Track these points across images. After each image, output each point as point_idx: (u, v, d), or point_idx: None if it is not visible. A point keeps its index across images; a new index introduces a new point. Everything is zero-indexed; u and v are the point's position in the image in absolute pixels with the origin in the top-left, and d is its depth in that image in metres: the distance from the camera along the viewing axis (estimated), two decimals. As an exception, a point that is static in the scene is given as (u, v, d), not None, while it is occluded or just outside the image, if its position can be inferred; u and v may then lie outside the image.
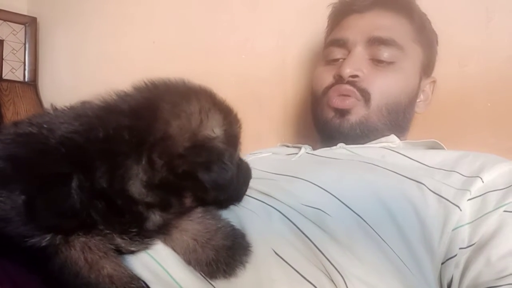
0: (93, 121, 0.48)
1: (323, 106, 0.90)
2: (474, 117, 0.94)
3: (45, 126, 0.49)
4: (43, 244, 0.46)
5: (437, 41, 0.94)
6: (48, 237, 0.46)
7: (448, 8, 0.95)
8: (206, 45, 1.44)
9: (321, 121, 0.91)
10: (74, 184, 0.45)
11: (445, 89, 0.96)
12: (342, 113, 0.86)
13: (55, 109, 0.52)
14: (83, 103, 0.52)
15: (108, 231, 0.48)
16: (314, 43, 1.19)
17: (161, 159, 0.46)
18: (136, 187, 0.47)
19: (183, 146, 0.47)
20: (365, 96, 0.84)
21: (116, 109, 0.49)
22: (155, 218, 0.50)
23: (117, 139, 0.46)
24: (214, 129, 0.49)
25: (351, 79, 0.85)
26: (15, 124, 0.51)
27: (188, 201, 0.52)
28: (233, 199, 0.60)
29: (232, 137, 0.52)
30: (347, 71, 0.84)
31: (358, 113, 0.85)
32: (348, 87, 0.85)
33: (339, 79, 0.87)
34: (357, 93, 0.84)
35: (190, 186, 0.50)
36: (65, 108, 0.52)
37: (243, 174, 0.59)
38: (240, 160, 0.59)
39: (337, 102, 0.86)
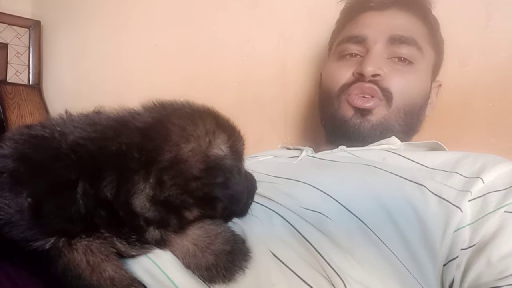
0: (107, 131, 0.50)
1: (341, 104, 0.88)
2: (475, 117, 0.94)
3: (58, 129, 0.50)
4: (47, 247, 0.46)
5: (443, 46, 0.94)
6: (52, 240, 0.47)
7: (448, 8, 0.95)
8: (207, 47, 1.44)
9: (339, 120, 0.88)
10: (79, 190, 0.47)
11: (446, 89, 0.96)
12: (363, 113, 0.84)
13: (68, 114, 0.54)
14: (97, 112, 0.54)
15: (108, 235, 0.49)
16: (315, 45, 1.19)
17: (172, 180, 0.48)
18: (140, 201, 0.48)
19: (197, 169, 0.48)
20: (387, 96, 0.83)
21: (129, 124, 0.51)
22: (153, 232, 0.52)
23: (128, 155, 0.48)
24: (221, 147, 0.51)
25: (373, 78, 0.84)
26: (28, 126, 0.52)
27: (191, 217, 0.53)
28: (238, 214, 0.60)
29: (237, 153, 0.54)
30: (369, 69, 0.83)
31: (379, 113, 0.84)
32: (371, 85, 0.83)
33: (359, 78, 0.85)
34: (380, 93, 0.83)
35: (200, 205, 0.51)
36: (79, 114, 0.54)
37: (248, 187, 0.60)
38: (246, 173, 0.60)
39: (360, 102, 0.84)
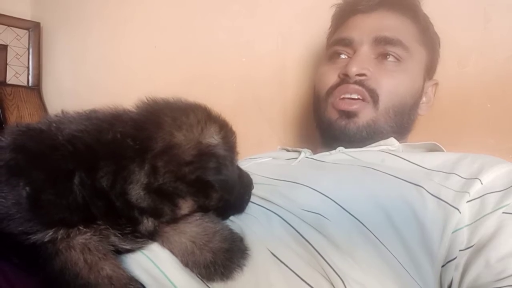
0: (102, 124, 0.51)
1: (327, 107, 0.89)
2: (473, 118, 0.94)
3: (54, 124, 0.51)
4: (46, 239, 0.47)
5: (439, 43, 0.94)
6: (50, 232, 0.47)
7: (446, 9, 0.96)
8: (207, 49, 1.44)
9: (325, 122, 0.90)
10: (76, 180, 0.47)
11: (444, 90, 0.96)
12: (349, 115, 0.85)
13: (64, 112, 0.55)
14: (92, 110, 0.55)
15: (104, 227, 0.50)
16: (314, 45, 1.19)
17: (166, 167, 0.48)
18: (135, 191, 0.48)
19: (190, 154, 0.49)
20: (374, 97, 0.83)
21: (123, 117, 0.52)
22: (147, 223, 0.52)
23: (123, 143, 0.49)
24: (214, 137, 0.52)
25: (358, 78, 0.84)
26: (26, 123, 0.53)
27: (185, 208, 0.53)
28: (235, 209, 0.60)
29: (229, 144, 0.55)
30: (354, 69, 0.83)
31: (366, 116, 0.84)
32: (356, 86, 0.84)
33: (344, 79, 0.86)
34: (366, 93, 0.83)
35: (193, 192, 0.52)
36: (76, 112, 0.55)
37: (243, 183, 0.60)
38: (240, 170, 0.60)
39: (344, 105, 0.84)
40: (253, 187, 0.63)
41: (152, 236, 0.53)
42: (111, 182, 0.48)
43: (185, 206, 0.53)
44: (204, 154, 0.50)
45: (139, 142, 0.49)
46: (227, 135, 0.55)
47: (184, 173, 0.49)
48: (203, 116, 0.53)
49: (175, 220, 0.53)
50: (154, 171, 0.48)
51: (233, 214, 0.60)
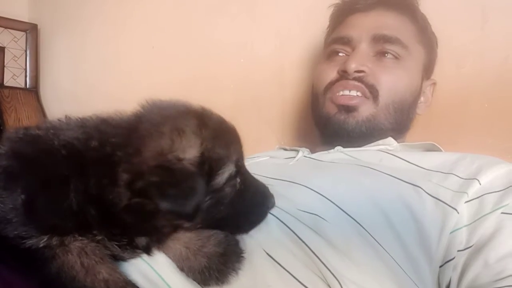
0: (91, 131, 0.50)
1: (325, 101, 0.89)
2: (472, 118, 0.94)
3: (51, 130, 0.51)
4: (41, 245, 0.46)
5: (437, 44, 0.95)
6: (45, 238, 0.46)
7: (444, 10, 0.96)
8: (205, 50, 1.44)
9: (324, 117, 0.89)
10: (72, 186, 0.47)
11: (442, 90, 0.96)
12: (348, 109, 0.85)
13: (67, 117, 0.54)
14: (93, 115, 0.54)
15: (100, 237, 0.49)
16: (313, 47, 1.19)
17: (126, 174, 0.45)
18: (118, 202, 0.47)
19: (147, 165, 0.45)
20: (374, 93, 0.84)
21: (111, 123, 0.51)
22: (140, 238, 0.51)
23: (104, 150, 0.48)
24: (186, 150, 0.47)
25: (356, 74, 0.84)
26: (25, 128, 0.53)
27: (166, 227, 0.51)
28: (231, 227, 0.55)
29: (213, 161, 0.49)
30: (353, 66, 0.84)
31: (366, 110, 0.84)
32: (355, 83, 0.84)
33: (343, 75, 0.86)
34: (365, 89, 0.84)
35: (163, 213, 0.48)
36: (77, 118, 0.54)
37: (248, 201, 0.55)
38: (248, 185, 0.56)
39: (343, 99, 0.85)
40: (272, 206, 0.58)
41: (148, 251, 0.52)
42: (100, 190, 0.47)
43: (162, 224, 0.49)
44: (159, 167, 0.45)
45: (122, 149, 0.47)
46: (213, 149, 0.49)
47: (135, 184, 0.44)
48: (184, 125, 0.49)
49: (169, 235, 0.52)
50: (115, 179, 0.45)
51: (233, 232, 0.55)
